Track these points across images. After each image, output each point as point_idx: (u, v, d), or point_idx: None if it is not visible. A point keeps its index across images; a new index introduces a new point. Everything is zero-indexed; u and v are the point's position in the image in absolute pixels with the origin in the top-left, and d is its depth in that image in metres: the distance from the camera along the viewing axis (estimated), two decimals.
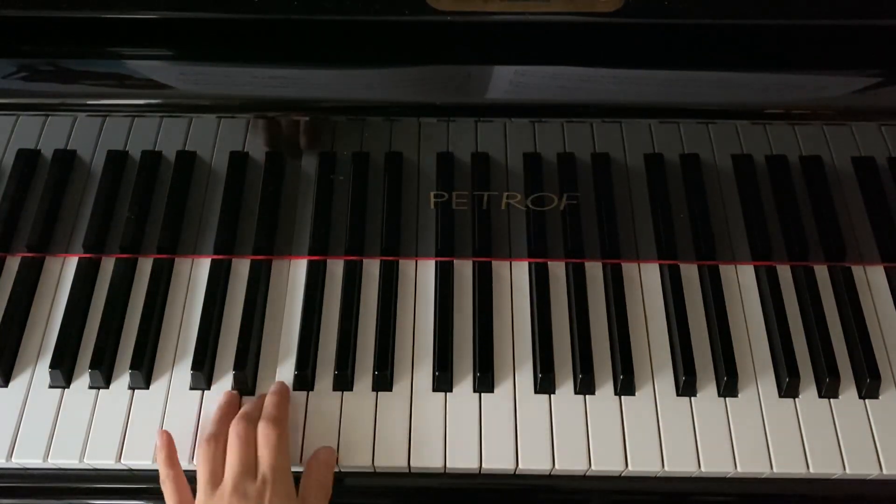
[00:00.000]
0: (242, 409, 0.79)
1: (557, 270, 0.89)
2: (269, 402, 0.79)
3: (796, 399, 0.82)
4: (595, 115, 0.74)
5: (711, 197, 0.83)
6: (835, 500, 0.82)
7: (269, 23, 0.72)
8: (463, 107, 0.73)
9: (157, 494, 0.80)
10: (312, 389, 0.82)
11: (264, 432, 0.75)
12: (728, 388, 0.81)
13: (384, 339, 0.84)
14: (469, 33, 0.72)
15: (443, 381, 0.82)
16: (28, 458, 0.79)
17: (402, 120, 0.76)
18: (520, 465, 0.78)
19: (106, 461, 0.79)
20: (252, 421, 0.77)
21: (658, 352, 0.84)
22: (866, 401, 0.82)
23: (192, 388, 0.83)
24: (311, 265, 0.89)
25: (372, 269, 0.89)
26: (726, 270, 0.89)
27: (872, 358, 0.83)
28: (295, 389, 0.82)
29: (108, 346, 0.83)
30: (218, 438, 0.76)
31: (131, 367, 0.82)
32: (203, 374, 0.82)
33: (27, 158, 0.82)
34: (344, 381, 0.82)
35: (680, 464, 0.78)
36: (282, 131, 0.79)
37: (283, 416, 0.78)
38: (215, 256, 0.89)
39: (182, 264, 0.90)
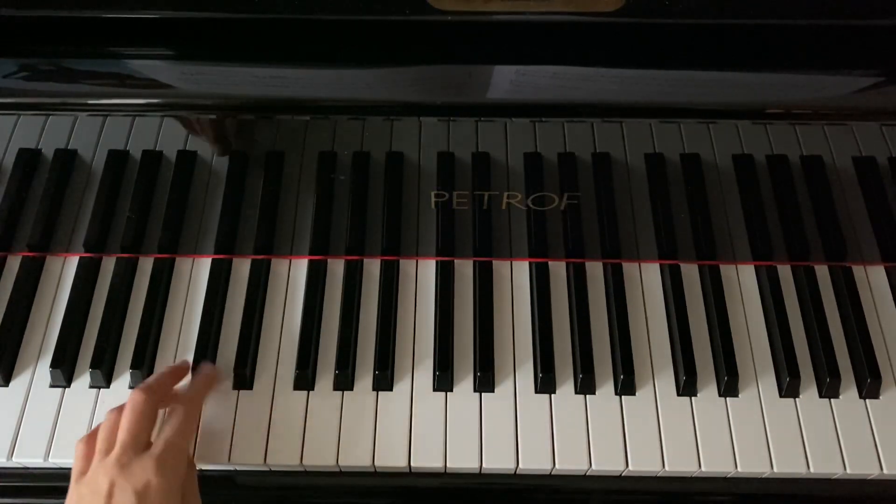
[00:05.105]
0: (146, 381, 0.76)
1: (558, 270, 0.89)
2: (194, 381, 0.78)
3: (797, 399, 0.82)
4: (595, 115, 0.74)
5: (712, 197, 0.83)
6: (835, 500, 0.82)
7: (269, 23, 0.72)
8: (463, 107, 0.73)
9: None
10: (313, 389, 0.82)
11: (174, 410, 0.74)
12: (728, 387, 0.81)
13: (385, 339, 0.84)
14: (470, 33, 0.72)
15: (443, 381, 0.82)
16: (29, 457, 0.79)
17: (403, 120, 0.76)
18: (520, 465, 0.78)
19: None
20: (152, 392, 0.74)
21: (658, 351, 0.84)
22: (867, 400, 0.82)
23: None
24: (311, 265, 0.89)
25: (372, 268, 0.89)
26: (727, 270, 0.89)
27: (873, 358, 0.83)
28: (295, 389, 0.82)
29: (108, 346, 0.83)
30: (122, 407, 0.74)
31: (132, 367, 0.82)
32: None
33: (28, 158, 0.83)
34: (344, 381, 0.82)
35: (680, 463, 0.78)
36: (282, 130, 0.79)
37: (200, 398, 0.77)
38: (216, 256, 0.89)
39: (183, 264, 0.90)
